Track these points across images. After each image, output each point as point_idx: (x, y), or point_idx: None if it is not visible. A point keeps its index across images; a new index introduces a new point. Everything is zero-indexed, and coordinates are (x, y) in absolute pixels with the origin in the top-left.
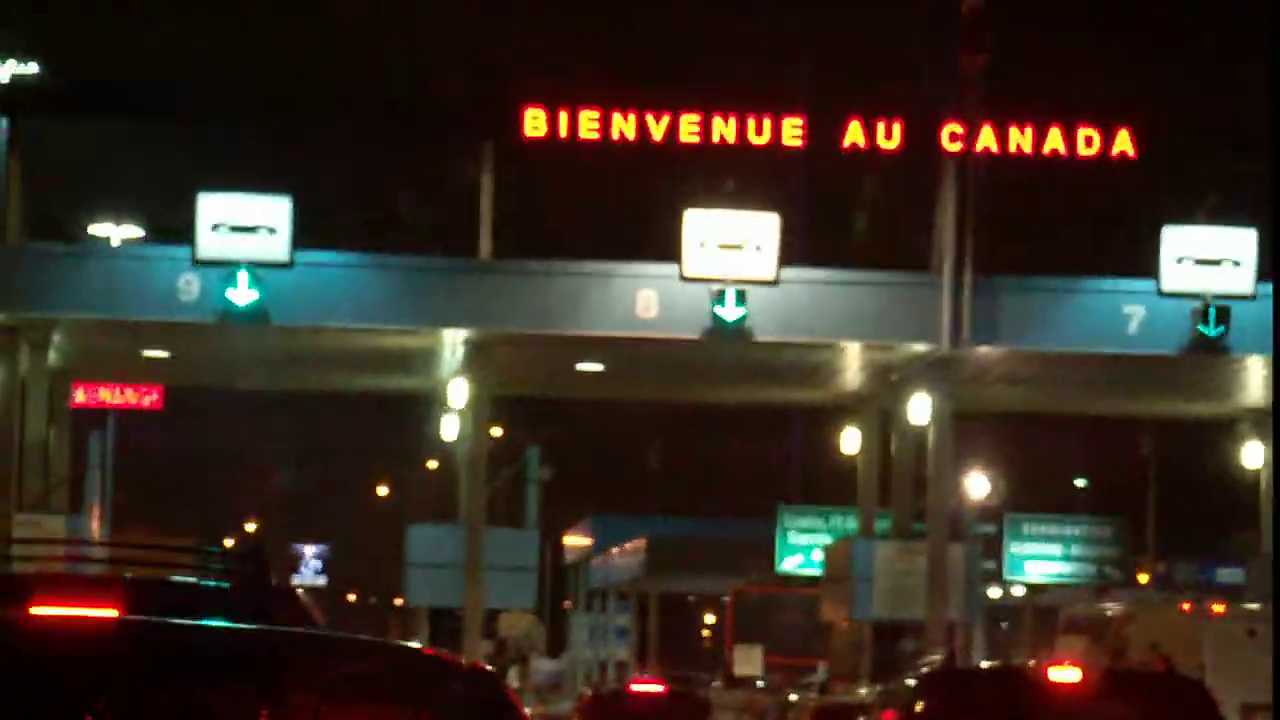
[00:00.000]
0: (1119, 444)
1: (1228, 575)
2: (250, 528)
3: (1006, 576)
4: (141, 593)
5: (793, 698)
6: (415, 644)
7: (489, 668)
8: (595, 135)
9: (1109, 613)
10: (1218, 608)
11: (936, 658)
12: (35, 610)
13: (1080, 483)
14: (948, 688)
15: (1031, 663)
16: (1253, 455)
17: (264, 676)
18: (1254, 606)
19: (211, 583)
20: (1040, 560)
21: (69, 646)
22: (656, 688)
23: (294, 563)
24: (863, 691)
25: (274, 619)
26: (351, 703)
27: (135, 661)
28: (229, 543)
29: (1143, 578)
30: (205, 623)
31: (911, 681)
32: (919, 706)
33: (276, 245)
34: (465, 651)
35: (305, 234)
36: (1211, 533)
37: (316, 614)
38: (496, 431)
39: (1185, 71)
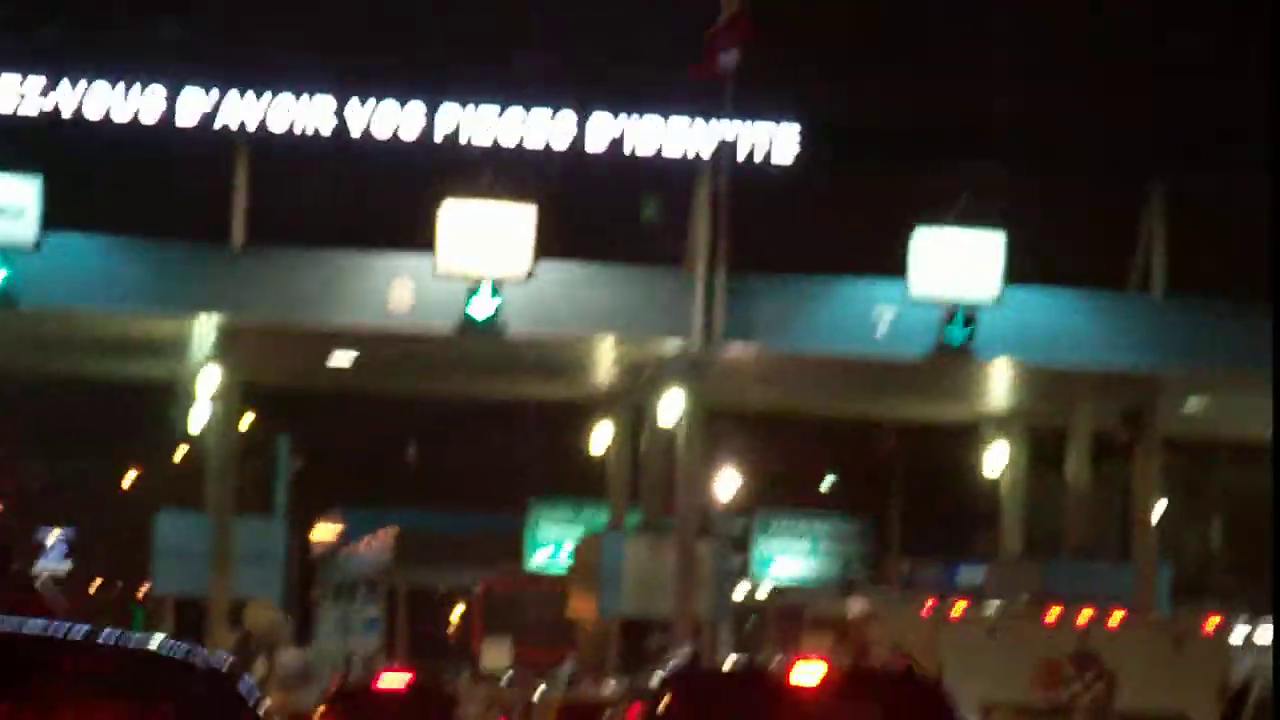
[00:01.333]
0: (867, 446)
1: (968, 575)
2: None
3: (754, 574)
4: None
5: (538, 694)
6: (159, 637)
7: (225, 667)
8: (336, 128)
9: (850, 612)
10: (956, 610)
11: (684, 652)
12: None
13: (827, 483)
14: (692, 685)
15: (775, 661)
16: (995, 459)
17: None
18: (993, 605)
19: None
20: (787, 558)
21: None
22: (403, 679)
23: (38, 547)
24: (610, 686)
25: (14, 610)
26: (90, 700)
27: None
28: None
29: (888, 581)
30: None
31: (656, 678)
32: (663, 703)
33: (23, 227)
34: (211, 642)
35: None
36: (954, 534)
37: (59, 605)
38: (247, 420)
39: (935, 74)
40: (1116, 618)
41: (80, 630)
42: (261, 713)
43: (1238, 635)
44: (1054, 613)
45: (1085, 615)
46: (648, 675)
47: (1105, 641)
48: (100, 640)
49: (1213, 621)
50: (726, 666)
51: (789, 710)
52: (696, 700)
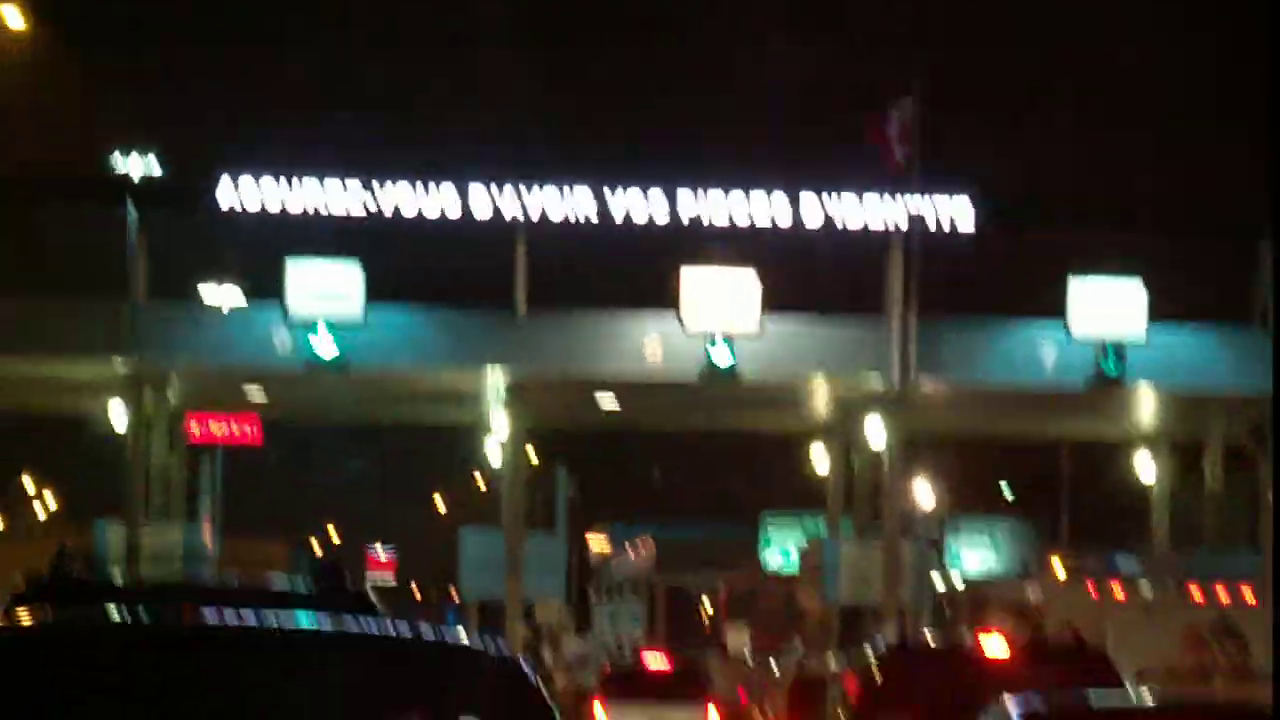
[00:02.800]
0: (1037, 461)
1: (1123, 564)
2: (333, 537)
3: (946, 568)
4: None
5: (776, 669)
6: (461, 630)
7: (516, 656)
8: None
9: (1030, 597)
10: (1118, 593)
11: (889, 632)
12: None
13: (1006, 491)
14: (898, 658)
15: (967, 638)
16: (1144, 469)
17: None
18: (1146, 587)
19: (302, 590)
20: (973, 554)
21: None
22: (663, 659)
23: (371, 562)
24: (831, 662)
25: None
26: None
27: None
28: (318, 551)
29: (1059, 569)
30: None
31: (869, 654)
32: (876, 673)
33: (350, 305)
34: (507, 634)
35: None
36: (1109, 533)
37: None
38: (532, 454)
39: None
40: (1250, 594)
41: (404, 627)
42: (542, 689)
43: None
44: (1197, 593)
45: (1223, 593)
46: (862, 653)
47: (1242, 615)
48: (417, 634)
49: None
50: (926, 642)
51: (980, 677)
52: (903, 670)
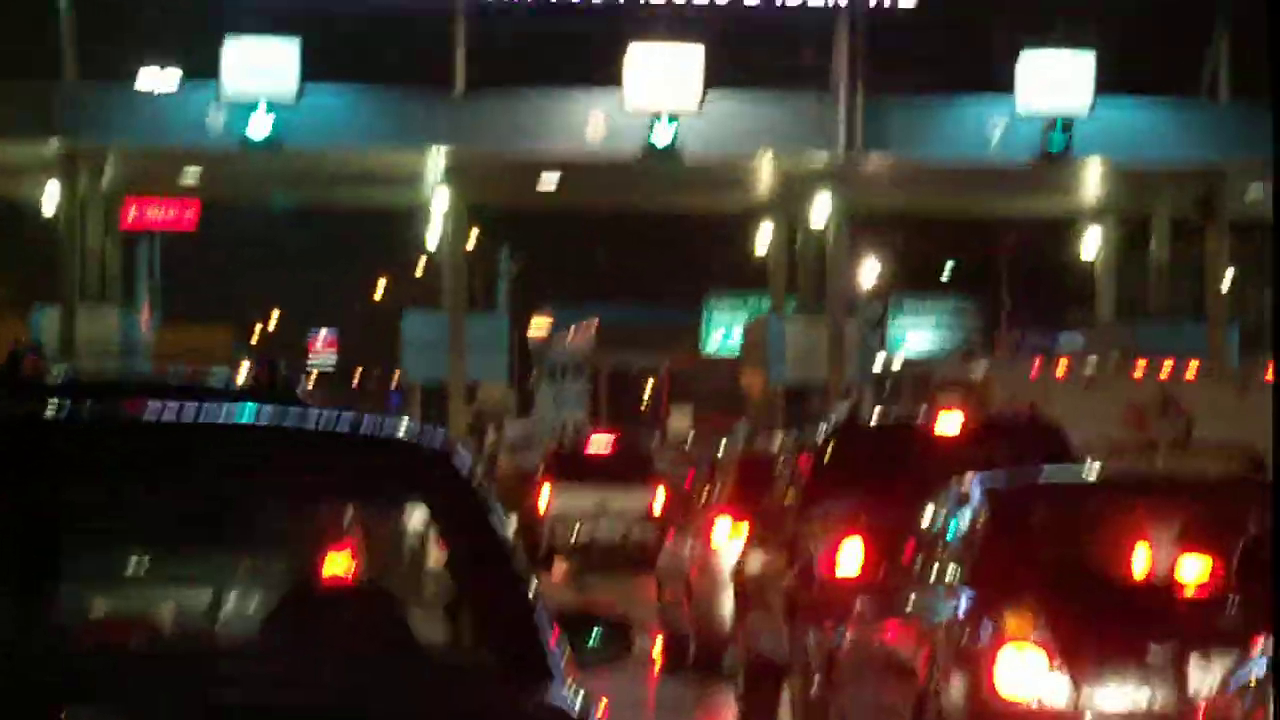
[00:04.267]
0: (981, 238)
1: (1067, 341)
2: (273, 319)
3: (889, 348)
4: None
5: (721, 449)
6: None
7: (450, 448)
8: None
9: (973, 374)
10: (1060, 369)
11: (844, 408)
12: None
13: (948, 270)
14: (852, 435)
15: (920, 413)
16: (1090, 244)
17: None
18: (1090, 363)
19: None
20: (916, 333)
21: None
22: (608, 440)
23: (310, 346)
24: (779, 442)
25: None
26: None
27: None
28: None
29: (1002, 348)
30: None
31: (821, 431)
32: (829, 451)
33: (286, 82)
34: (450, 415)
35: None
36: (1054, 310)
37: (310, 405)
38: (473, 236)
39: None
40: (1193, 369)
41: (342, 420)
42: (477, 479)
43: None
44: (1140, 366)
45: (1167, 367)
46: (814, 430)
47: (1184, 389)
48: (355, 427)
49: (1270, 369)
50: (878, 420)
51: (936, 452)
52: (857, 447)
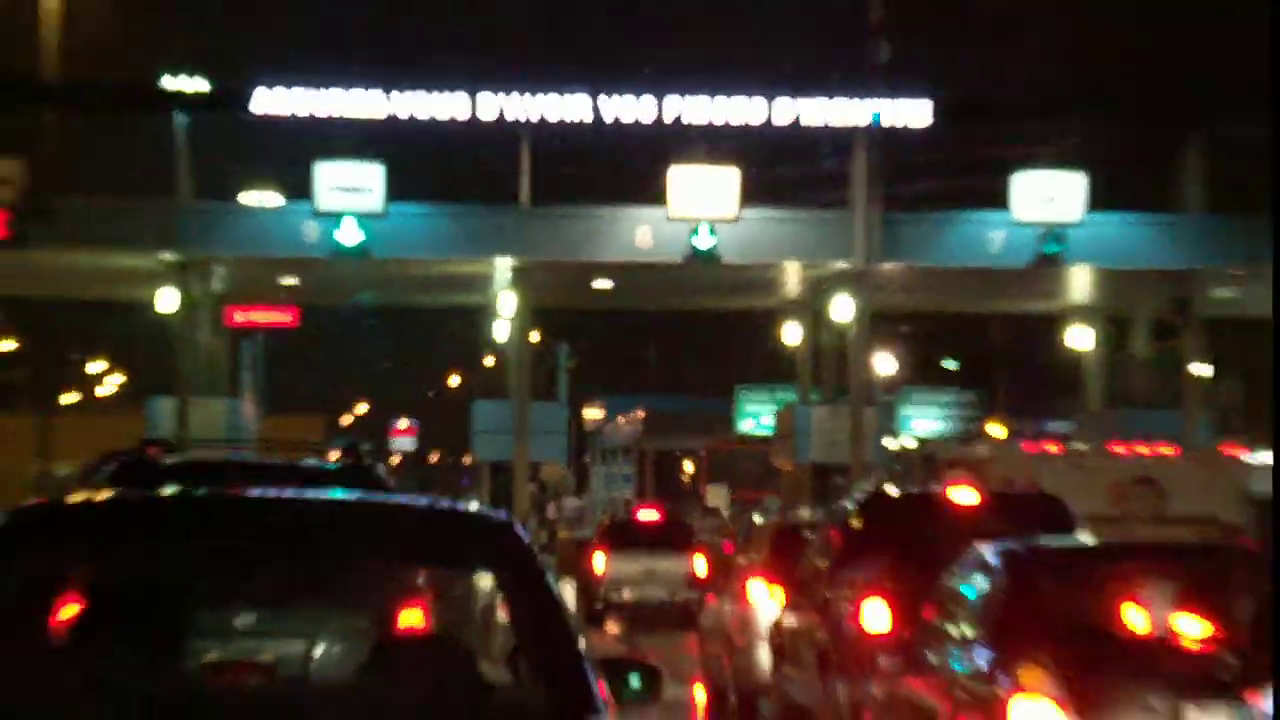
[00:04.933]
0: (982, 334)
1: (1056, 426)
2: (361, 409)
3: (899, 431)
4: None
5: (757, 519)
6: (463, 503)
7: (513, 521)
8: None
9: (978, 453)
10: (1053, 449)
11: (871, 484)
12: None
13: (952, 364)
14: (878, 506)
15: (937, 489)
16: (1080, 340)
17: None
18: (1081, 447)
19: (329, 465)
20: (923, 420)
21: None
22: (655, 514)
23: (394, 432)
24: (805, 514)
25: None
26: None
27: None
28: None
29: (999, 431)
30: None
31: (850, 504)
32: (857, 519)
33: (373, 200)
34: (515, 492)
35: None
36: (1047, 401)
37: (389, 483)
38: (536, 333)
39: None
40: (1168, 450)
41: (411, 499)
42: (534, 547)
43: (1254, 458)
44: (1122, 449)
45: (1144, 449)
46: (841, 503)
47: (1159, 467)
48: (426, 505)
49: (1233, 449)
50: (901, 492)
51: (954, 521)
52: (883, 516)
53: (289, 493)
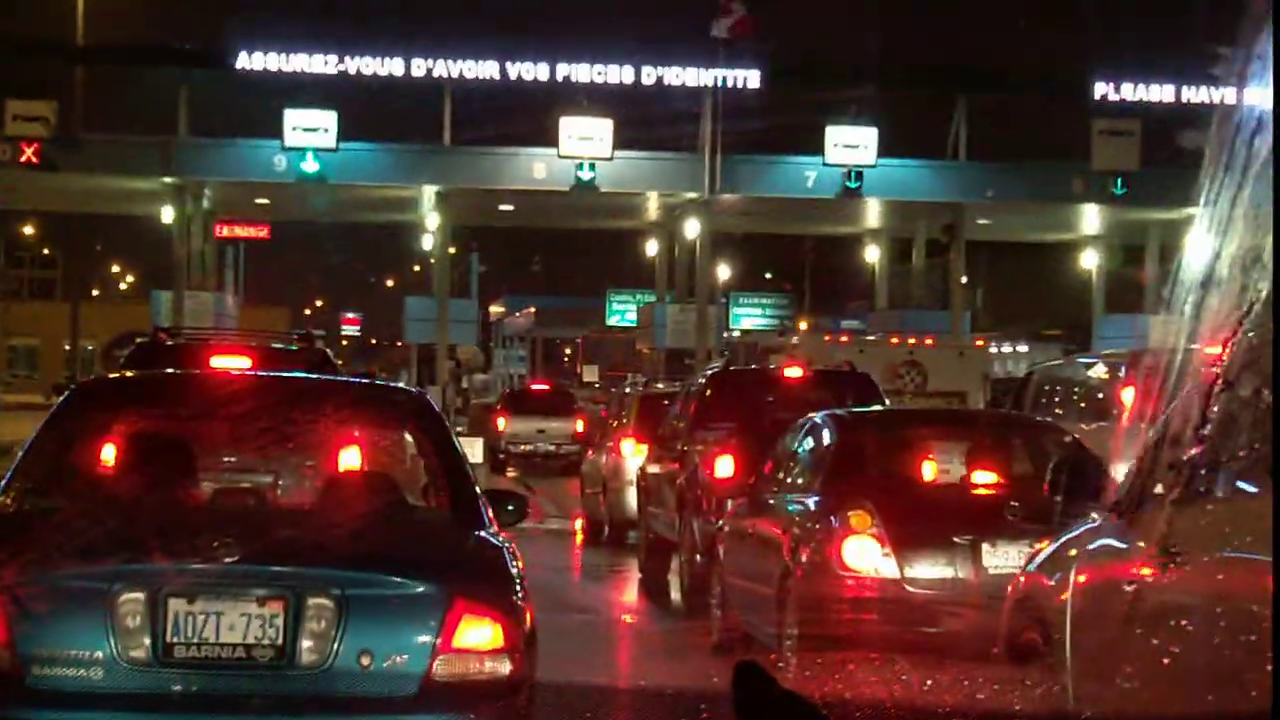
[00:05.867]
0: (798, 250)
1: (849, 323)
2: (318, 302)
3: (730, 326)
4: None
5: (627, 390)
6: (390, 381)
7: (419, 392)
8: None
9: (787, 342)
10: (843, 339)
11: (720, 363)
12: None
13: (769, 275)
14: (726, 379)
15: (773, 366)
16: (869, 254)
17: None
18: (869, 337)
19: (292, 347)
20: (749, 317)
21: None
22: (545, 386)
23: (344, 321)
24: (661, 387)
25: (316, 367)
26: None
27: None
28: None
29: (805, 326)
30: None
31: (702, 377)
32: (709, 390)
33: (328, 138)
34: (438, 367)
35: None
36: (842, 299)
37: (335, 366)
38: (453, 247)
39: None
40: (930, 341)
41: (353, 379)
42: (438, 416)
43: (993, 348)
44: (895, 339)
45: (912, 340)
46: (692, 380)
47: (922, 353)
48: (362, 383)
49: (980, 341)
50: (745, 370)
51: (788, 391)
52: (728, 389)
53: (263, 373)
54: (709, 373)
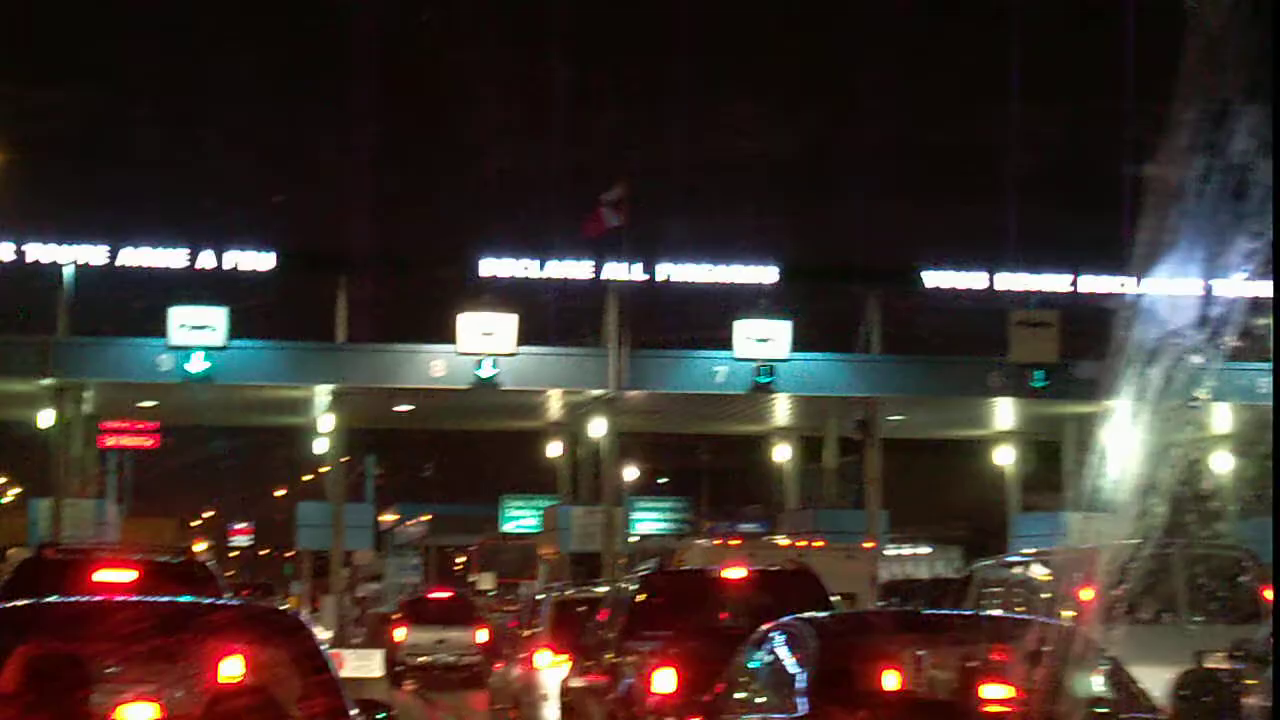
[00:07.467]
0: (691, 453)
1: (747, 526)
2: (207, 514)
3: (629, 530)
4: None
5: (539, 597)
6: (262, 603)
7: (291, 610)
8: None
9: (680, 545)
10: (733, 542)
11: (652, 564)
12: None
13: (666, 478)
14: (660, 581)
15: (710, 567)
16: (778, 453)
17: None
18: (759, 540)
19: (176, 560)
20: (644, 522)
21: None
22: (445, 594)
23: (232, 532)
24: (571, 593)
25: (198, 581)
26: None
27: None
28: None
29: (701, 530)
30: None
31: (637, 579)
32: (641, 595)
33: (217, 337)
34: (331, 574)
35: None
36: (744, 502)
37: (217, 581)
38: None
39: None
40: (820, 543)
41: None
42: (310, 630)
43: (895, 550)
44: (785, 540)
45: (801, 542)
46: (629, 579)
47: (812, 556)
48: (238, 605)
49: (868, 543)
50: (675, 570)
51: (730, 592)
52: (665, 590)
53: (147, 599)
54: (642, 574)
